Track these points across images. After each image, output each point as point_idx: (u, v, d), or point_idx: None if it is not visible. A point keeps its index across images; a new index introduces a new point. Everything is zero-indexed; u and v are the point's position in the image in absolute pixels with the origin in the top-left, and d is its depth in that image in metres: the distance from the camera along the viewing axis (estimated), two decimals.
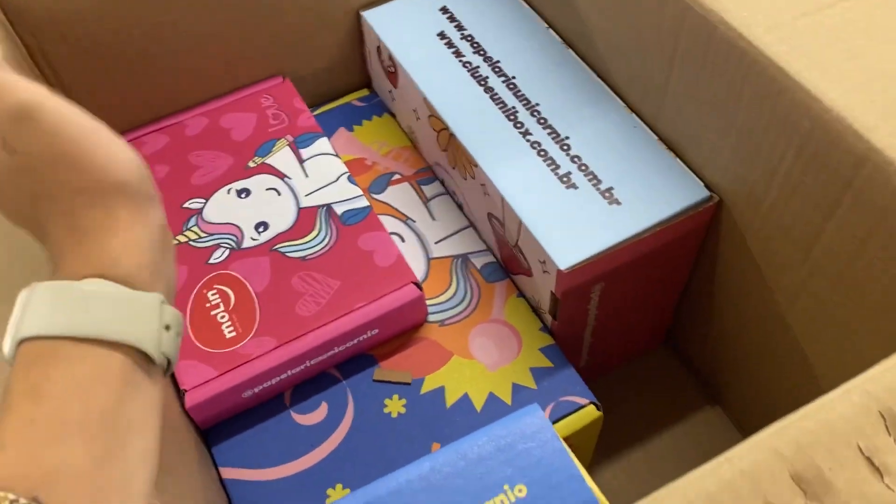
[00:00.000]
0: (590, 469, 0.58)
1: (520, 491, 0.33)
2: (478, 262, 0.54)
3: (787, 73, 0.39)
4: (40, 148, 0.29)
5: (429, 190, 0.58)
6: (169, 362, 0.32)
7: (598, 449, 0.58)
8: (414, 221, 0.56)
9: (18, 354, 0.28)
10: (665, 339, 0.64)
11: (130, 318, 0.29)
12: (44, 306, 0.28)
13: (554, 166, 0.49)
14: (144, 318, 0.30)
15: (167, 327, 0.31)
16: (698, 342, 0.59)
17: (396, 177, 0.59)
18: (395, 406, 0.48)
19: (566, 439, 0.47)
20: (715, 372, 0.59)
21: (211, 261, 0.51)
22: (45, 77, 0.52)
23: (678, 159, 0.49)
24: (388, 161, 0.60)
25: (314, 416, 0.48)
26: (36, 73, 0.51)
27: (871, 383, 0.29)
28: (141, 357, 0.30)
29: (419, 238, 0.55)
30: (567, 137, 0.51)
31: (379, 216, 0.56)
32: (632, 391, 0.61)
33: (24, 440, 0.26)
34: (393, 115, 0.64)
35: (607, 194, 0.48)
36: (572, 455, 0.34)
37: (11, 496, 0.25)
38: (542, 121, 0.52)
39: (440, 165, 0.57)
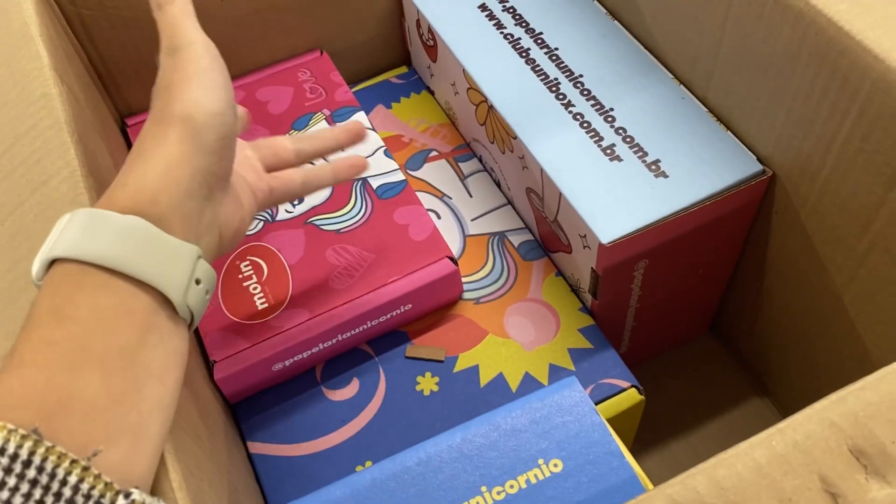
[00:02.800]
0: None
1: (555, 465, 0.31)
2: (515, 239, 0.53)
3: (847, 32, 0.36)
4: (170, 74, 0.32)
5: (466, 167, 0.57)
6: (192, 318, 0.31)
7: (638, 436, 0.56)
8: (450, 198, 0.55)
9: (48, 275, 0.28)
10: (711, 327, 0.61)
11: (164, 262, 0.29)
12: (79, 231, 0.28)
13: (597, 138, 0.48)
14: (178, 266, 0.30)
15: (197, 281, 0.30)
16: (746, 329, 0.56)
17: (434, 153, 0.58)
18: (427, 384, 0.47)
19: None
20: (763, 360, 0.56)
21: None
22: (82, 44, 0.52)
23: (729, 132, 0.47)
24: (425, 138, 0.59)
25: (345, 391, 0.47)
26: (73, 41, 0.50)
27: None
28: (166, 304, 0.29)
29: (455, 215, 0.54)
30: (612, 109, 0.49)
31: (416, 193, 0.55)
32: (676, 379, 0.59)
33: (44, 361, 0.26)
34: (432, 93, 0.62)
35: (653, 167, 0.46)
36: (612, 431, 0.32)
37: (10, 426, 0.24)
38: (585, 92, 0.50)
39: (478, 141, 0.56)
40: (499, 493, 0.31)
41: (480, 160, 0.57)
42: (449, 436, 0.33)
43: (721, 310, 0.58)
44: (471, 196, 0.55)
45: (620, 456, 0.31)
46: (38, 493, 0.24)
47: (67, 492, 0.24)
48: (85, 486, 0.24)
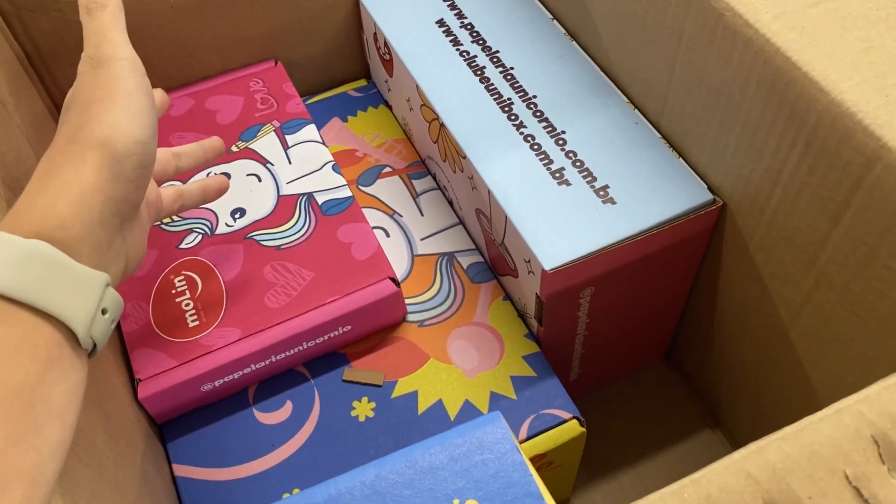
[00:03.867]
0: (577, 488, 0.54)
1: None
2: (464, 261, 0.51)
3: (795, 63, 0.35)
4: (90, 88, 0.31)
5: (420, 185, 0.55)
6: (94, 348, 0.29)
7: (587, 468, 0.54)
8: (401, 216, 0.53)
9: None
10: (665, 356, 0.60)
11: (70, 292, 0.27)
12: None
13: (547, 161, 0.46)
14: (84, 296, 0.28)
15: (104, 311, 0.29)
16: (699, 359, 0.55)
17: (387, 170, 0.56)
18: (363, 409, 0.45)
19: (545, 455, 0.44)
20: (715, 392, 0.55)
21: (181, 246, 0.48)
22: (22, 46, 0.50)
23: (681, 159, 0.46)
24: (380, 153, 0.57)
25: (277, 415, 0.45)
26: (11, 42, 0.49)
27: (866, 404, 0.26)
28: (70, 337, 0.28)
29: (405, 233, 0.53)
30: (563, 132, 0.48)
31: (365, 209, 0.53)
32: (626, 409, 0.58)
33: None
34: (390, 107, 0.61)
35: (602, 192, 0.45)
36: (533, 471, 0.31)
37: None
38: (538, 113, 0.49)
39: (432, 159, 0.54)
40: None
41: (434, 178, 0.56)
42: (362, 472, 0.31)
43: (676, 338, 0.57)
44: (422, 214, 0.54)
45: (539, 498, 0.30)
46: None
47: None
48: None
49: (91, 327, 0.28)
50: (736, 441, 0.55)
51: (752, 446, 0.25)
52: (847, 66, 0.35)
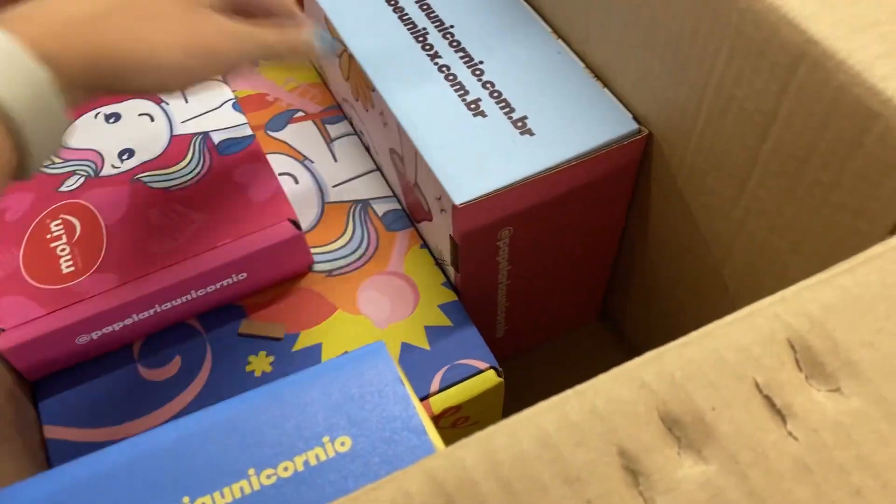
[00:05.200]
0: None
1: (342, 444, 0.26)
2: (379, 208, 0.47)
3: None
4: None
5: (334, 130, 0.51)
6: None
7: None
8: (312, 162, 0.49)
9: None
10: (601, 316, 0.57)
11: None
12: None
13: (462, 92, 0.42)
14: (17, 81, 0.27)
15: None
16: (635, 317, 0.52)
17: (300, 114, 0.52)
18: (260, 364, 0.41)
19: (460, 407, 0.40)
20: (651, 348, 0.52)
21: (61, 188, 0.44)
22: None
23: (606, 90, 0.42)
24: (292, 97, 0.53)
25: (164, 371, 0.41)
26: None
27: (782, 305, 0.22)
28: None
29: (316, 180, 0.48)
30: (481, 62, 0.44)
31: (271, 155, 0.49)
32: (562, 367, 0.54)
33: None
34: None
35: (519, 124, 0.41)
36: (418, 404, 0.27)
37: None
38: (454, 44, 0.45)
39: (346, 101, 0.50)
40: (269, 476, 0.25)
41: (351, 123, 0.52)
42: (224, 407, 0.27)
43: (610, 296, 0.54)
44: (336, 160, 0.50)
45: (422, 433, 0.26)
46: None
47: None
48: None
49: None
50: None
51: (650, 354, 0.22)
52: None
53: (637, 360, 0.21)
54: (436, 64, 0.44)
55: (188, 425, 0.26)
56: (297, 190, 0.48)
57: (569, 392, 0.21)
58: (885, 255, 0.23)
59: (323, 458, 0.25)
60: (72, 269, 0.40)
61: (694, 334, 0.22)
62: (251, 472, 0.25)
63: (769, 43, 0.30)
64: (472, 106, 0.42)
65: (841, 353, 0.21)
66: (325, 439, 0.26)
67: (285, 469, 0.25)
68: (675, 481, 0.19)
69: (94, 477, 0.26)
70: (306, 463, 0.25)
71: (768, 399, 0.20)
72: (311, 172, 0.49)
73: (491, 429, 0.20)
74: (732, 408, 0.20)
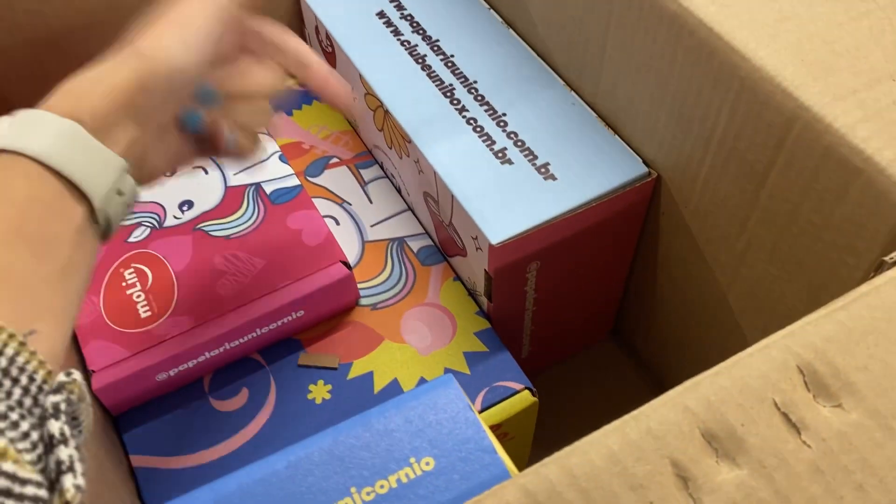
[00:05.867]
0: (532, 463, 0.55)
1: (427, 464, 0.31)
2: (414, 245, 0.52)
3: (717, 34, 0.37)
4: (163, 10, 0.34)
5: (367, 173, 0.56)
6: (109, 228, 0.31)
7: (542, 444, 0.55)
8: (350, 205, 0.54)
9: None
10: (612, 332, 0.62)
11: (92, 166, 0.30)
12: (19, 126, 0.29)
13: (490, 142, 0.48)
14: (104, 173, 0.30)
15: (120, 192, 0.31)
16: (644, 331, 0.57)
17: (334, 160, 0.57)
18: (319, 392, 0.46)
19: (500, 426, 0.45)
20: (661, 362, 0.57)
21: (130, 239, 0.48)
22: None
23: (617, 136, 0.48)
24: (326, 145, 0.58)
25: (234, 402, 0.45)
26: None
27: (791, 338, 0.27)
28: (89, 209, 0.30)
29: (355, 221, 0.53)
30: (504, 114, 0.49)
31: (313, 199, 0.54)
32: (578, 385, 0.59)
33: None
34: None
35: (543, 170, 0.46)
36: (486, 427, 0.32)
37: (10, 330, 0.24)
38: (479, 98, 0.50)
39: (378, 147, 0.55)
40: (368, 493, 0.30)
41: (381, 167, 0.57)
42: (320, 438, 0.32)
43: (621, 313, 0.59)
44: (371, 202, 0.55)
45: (493, 452, 0.31)
46: None
47: (3, 362, 0.24)
48: (20, 360, 0.24)
49: (107, 202, 0.30)
50: None
51: (688, 383, 0.27)
52: (764, 34, 0.37)
53: (679, 389, 0.26)
54: (464, 117, 0.49)
55: (295, 453, 0.31)
56: (339, 231, 0.53)
57: (627, 417, 0.26)
58: (871, 294, 0.28)
59: (412, 476, 0.30)
60: (149, 313, 0.45)
61: (723, 365, 0.27)
62: (353, 490, 0.30)
63: (766, 106, 0.36)
64: (500, 154, 0.47)
65: (841, 376, 0.26)
66: (412, 460, 0.31)
67: (381, 486, 0.30)
68: (717, 484, 0.24)
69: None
70: (399, 481, 0.30)
71: (785, 415, 0.26)
72: (349, 214, 0.54)
73: (567, 449, 0.25)
74: (758, 423, 0.25)
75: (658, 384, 0.59)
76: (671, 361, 0.56)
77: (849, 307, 0.28)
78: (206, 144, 0.38)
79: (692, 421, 0.25)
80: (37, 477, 0.23)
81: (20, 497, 0.22)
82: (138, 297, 0.45)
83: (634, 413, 0.26)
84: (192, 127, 0.37)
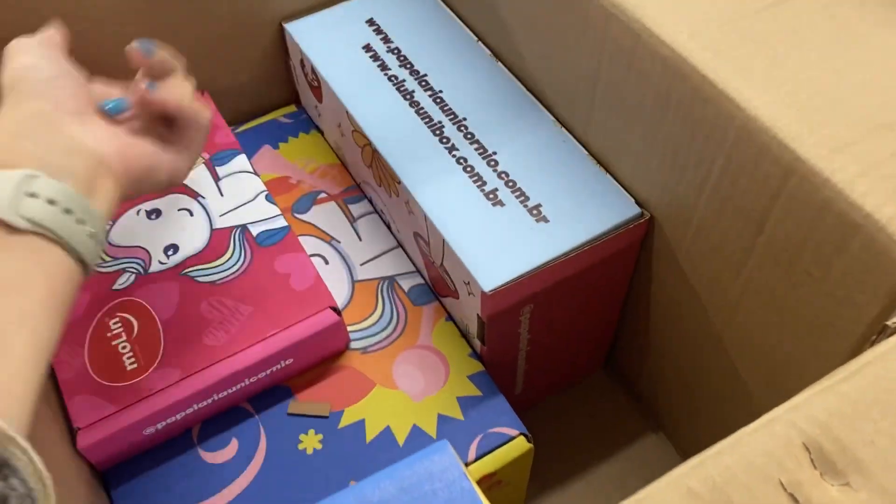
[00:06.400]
0: (529, 500, 0.55)
1: None
2: (405, 284, 0.51)
3: (711, 81, 0.37)
4: None
5: (356, 209, 0.55)
6: (52, 230, 0.32)
7: (537, 479, 0.55)
8: (339, 242, 0.53)
9: None
10: (605, 366, 0.61)
11: None
12: None
13: (480, 183, 0.47)
14: (2, 188, 0.31)
15: (33, 195, 0.31)
16: (637, 368, 0.57)
17: (322, 195, 0.56)
18: (310, 442, 0.45)
19: (495, 474, 0.45)
20: (655, 396, 0.57)
21: (115, 287, 0.47)
22: None
23: (608, 175, 0.47)
24: (314, 179, 0.57)
25: (223, 453, 0.44)
26: None
27: (795, 413, 0.27)
28: (4, 225, 0.30)
29: (344, 260, 0.52)
30: (494, 153, 0.48)
31: (301, 237, 0.53)
32: (571, 419, 0.59)
33: None
34: (321, 132, 0.61)
35: (535, 212, 0.45)
36: (482, 496, 0.31)
37: None
38: (469, 136, 0.49)
39: (367, 183, 0.55)
40: None
41: (371, 202, 0.56)
42: None
43: (614, 349, 0.59)
44: (360, 239, 0.54)
45: None
46: None
47: None
48: None
49: (17, 209, 0.31)
50: (678, 443, 0.57)
51: (692, 461, 0.26)
52: (759, 82, 0.36)
53: (682, 469, 0.26)
54: (454, 157, 0.48)
55: None
56: (327, 270, 0.52)
57: (630, 501, 0.25)
58: (875, 363, 0.28)
59: None
60: (135, 366, 0.44)
61: (725, 443, 0.26)
62: None
63: (763, 157, 0.35)
64: (491, 196, 0.46)
65: (847, 453, 0.26)
66: None
67: None
68: None
69: None
70: None
71: (792, 496, 0.25)
72: (338, 252, 0.53)
73: None
74: None
75: (652, 417, 0.58)
76: (664, 396, 0.55)
77: (851, 378, 0.27)
78: (159, 127, 0.40)
79: None
80: None
81: None
82: (124, 347, 0.44)
83: (639, 496, 0.25)
84: (117, 108, 0.38)
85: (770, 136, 0.35)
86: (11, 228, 0.30)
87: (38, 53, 0.37)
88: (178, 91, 0.40)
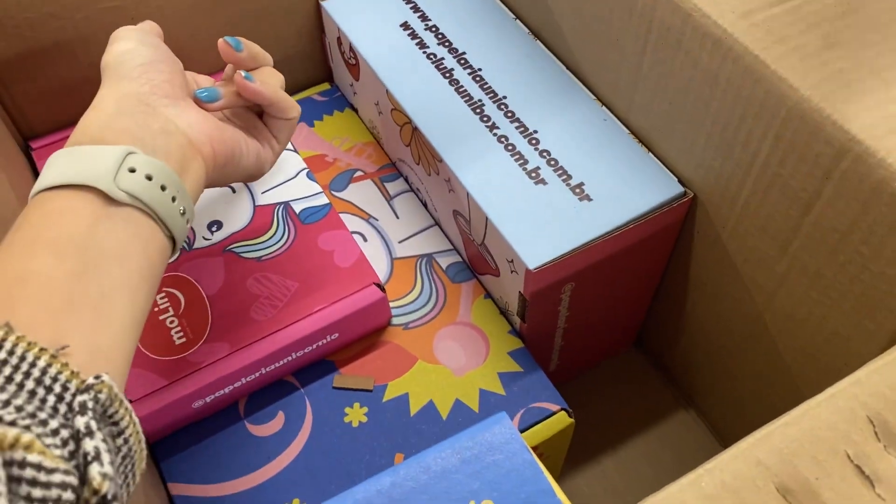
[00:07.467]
0: (562, 476, 0.56)
1: None
2: (443, 261, 0.52)
3: (763, 61, 0.37)
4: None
5: (392, 187, 0.56)
6: (149, 205, 0.33)
7: (569, 455, 0.56)
8: (377, 220, 0.54)
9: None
10: (636, 342, 0.62)
11: (88, 165, 0.32)
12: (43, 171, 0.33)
13: (522, 161, 0.47)
14: (100, 163, 0.32)
15: (132, 170, 0.33)
16: (670, 344, 0.57)
17: (359, 174, 0.56)
18: (356, 415, 0.45)
19: (537, 447, 0.45)
20: (688, 373, 0.57)
21: None
22: None
23: (651, 153, 0.48)
24: (350, 157, 0.58)
25: (270, 426, 0.45)
26: None
27: (858, 387, 0.27)
28: (105, 196, 0.32)
29: (382, 237, 0.53)
30: (535, 131, 0.49)
31: (340, 215, 0.53)
32: (603, 395, 0.59)
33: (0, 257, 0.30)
34: (355, 110, 0.61)
35: (578, 190, 0.46)
36: (543, 467, 0.32)
37: None
38: (509, 114, 0.50)
39: (404, 161, 0.55)
40: None
41: (406, 180, 0.56)
42: (377, 481, 0.32)
43: (646, 325, 0.59)
44: (398, 217, 0.54)
45: (552, 494, 0.31)
46: (7, 371, 0.25)
47: (36, 372, 0.26)
48: (52, 371, 0.26)
49: (116, 182, 0.32)
50: (710, 419, 0.57)
51: (759, 433, 0.27)
52: (812, 62, 0.37)
53: (749, 440, 0.26)
54: (494, 135, 0.49)
55: (354, 497, 0.31)
56: (367, 247, 0.52)
57: (700, 470, 0.26)
58: None
59: None
60: (183, 340, 0.44)
61: (791, 415, 0.27)
62: None
63: (815, 137, 0.36)
64: (533, 174, 0.47)
65: None
66: (472, 502, 0.31)
67: None
68: None
69: None
70: None
71: (858, 468, 0.26)
72: (377, 230, 0.53)
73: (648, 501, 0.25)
74: (832, 476, 0.25)
75: (683, 394, 0.59)
76: (696, 373, 0.56)
77: None
78: (249, 117, 0.42)
79: (766, 475, 0.25)
80: (64, 465, 0.24)
81: (47, 485, 0.23)
82: (171, 322, 0.45)
83: (708, 466, 0.26)
84: (211, 97, 0.39)
85: (824, 115, 0.35)
86: (111, 200, 0.32)
87: (138, 39, 0.39)
88: (272, 81, 0.42)
